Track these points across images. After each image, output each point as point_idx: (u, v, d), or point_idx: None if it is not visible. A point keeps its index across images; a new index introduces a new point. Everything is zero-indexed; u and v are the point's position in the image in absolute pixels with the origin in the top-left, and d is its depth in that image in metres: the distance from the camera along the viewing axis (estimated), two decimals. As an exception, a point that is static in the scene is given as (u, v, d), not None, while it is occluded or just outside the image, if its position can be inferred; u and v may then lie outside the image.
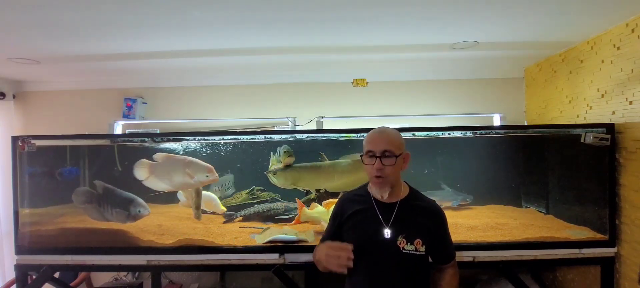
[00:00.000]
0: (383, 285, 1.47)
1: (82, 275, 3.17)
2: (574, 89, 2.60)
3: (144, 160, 2.41)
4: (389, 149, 1.43)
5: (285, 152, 2.44)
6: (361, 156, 1.52)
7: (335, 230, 1.61)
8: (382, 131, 1.50)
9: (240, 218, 2.58)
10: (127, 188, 2.46)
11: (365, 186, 1.61)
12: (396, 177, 1.49)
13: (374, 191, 1.53)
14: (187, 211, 2.65)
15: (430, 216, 1.52)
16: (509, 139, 2.62)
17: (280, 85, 3.49)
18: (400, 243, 1.46)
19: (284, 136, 2.49)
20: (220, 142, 2.55)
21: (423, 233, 1.47)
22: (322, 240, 1.66)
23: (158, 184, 2.42)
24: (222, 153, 2.55)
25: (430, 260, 1.57)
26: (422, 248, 1.46)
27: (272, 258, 2.30)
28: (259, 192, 2.62)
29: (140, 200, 2.43)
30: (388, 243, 1.46)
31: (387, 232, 1.47)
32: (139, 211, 2.41)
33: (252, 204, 2.60)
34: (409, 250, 1.45)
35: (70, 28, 2.06)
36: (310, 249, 2.30)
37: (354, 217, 1.54)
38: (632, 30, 2.04)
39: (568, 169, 2.51)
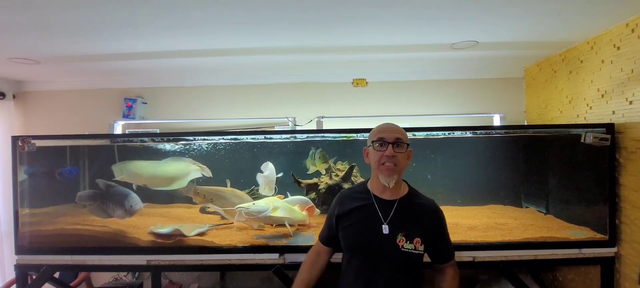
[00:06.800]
0: (379, 281, 1.48)
1: (82, 275, 3.17)
2: (574, 89, 2.60)
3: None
4: (401, 138, 1.48)
5: (319, 157, 2.48)
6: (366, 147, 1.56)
7: (331, 226, 1.63)
8: (392, 123, 1.55)
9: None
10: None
11: (364, 183, 1.63)
12: (403, 168, 1.51)
13: (381, 179, 1.49)
14: (188, 211, 2.65)
15: (429, 214, 1.54)
16: (509, 139, 2.63)
17: (280, 85, 3.49)
18: (399, 242, 1.46)
19: (284, 136, 2.49)
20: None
21: (422, 232, 1.48)
22: (320, 235, 1.70)
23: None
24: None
25: (428, 259, 1.58)
26: (421, 248, 1.48)
27: (272, 258, 2.30)
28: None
29: (134, 195, 2.44)
30: (387, 240, 1.47)
31: (386, 228, 1.48)
32: (131, 206, 2.42)
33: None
34: (408, 249, 1.46)
35: (70, 28, 2.06)
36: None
37: (352, 213, 1.55)
38: (632, 30, 2.04)
39: (568, 169, 2.51)
